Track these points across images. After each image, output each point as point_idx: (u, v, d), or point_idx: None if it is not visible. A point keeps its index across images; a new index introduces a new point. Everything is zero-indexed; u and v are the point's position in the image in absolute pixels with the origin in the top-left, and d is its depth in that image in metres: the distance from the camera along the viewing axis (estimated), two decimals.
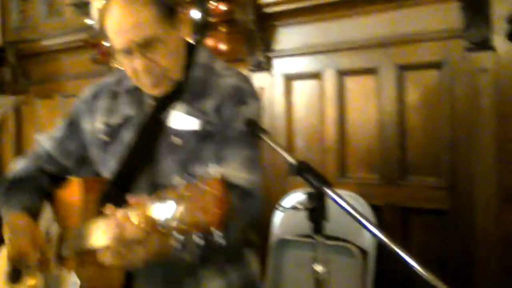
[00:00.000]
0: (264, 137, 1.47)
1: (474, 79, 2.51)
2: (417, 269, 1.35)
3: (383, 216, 2.79)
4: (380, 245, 2.71)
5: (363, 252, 2.70)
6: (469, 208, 2.52)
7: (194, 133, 1.51)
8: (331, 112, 3.03)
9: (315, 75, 3.09)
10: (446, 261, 2.59)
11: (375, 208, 2.78)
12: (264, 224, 3.02)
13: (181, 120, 1.53)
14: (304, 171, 1.36)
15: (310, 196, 1.32)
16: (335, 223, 2.44)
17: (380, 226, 2.71)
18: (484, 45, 2.48)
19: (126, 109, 1.62)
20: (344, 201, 1.39)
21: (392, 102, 2.80)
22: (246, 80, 1.62)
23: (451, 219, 2.60)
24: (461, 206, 2.56)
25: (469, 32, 2.50)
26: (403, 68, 2.77)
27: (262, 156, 1.58)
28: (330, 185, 1.34)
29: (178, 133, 1.51)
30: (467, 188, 2.53)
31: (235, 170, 1.45)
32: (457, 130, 2.59)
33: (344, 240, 2.70)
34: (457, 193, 2.58)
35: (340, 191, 2.78)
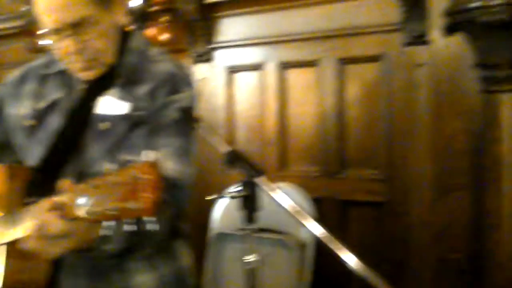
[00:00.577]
0: (197, 126, 1.44)
1: (411, 73, 2.56)
2: (349, 263, 1.35)
3: (323, 209, 2.80)
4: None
5: (302, 244, 2.70)
6: (405, 199, 2.57)
7: (124, 118, 1.45)
8: (272, 104, 3.03)
9: (257, 67, 3.08)
10: (383, 251, 2.63)
11: (315, 201, 2.80)
12: (203, 218, 2.99)
13: (111, 105, 1.47)
14: (236, 159, 1.33)
15: (242, 185, 1.29)
16: (274, 215, 2.44)
17: (320, 218, 2.75)
18: (421, 39, 2.52)
19: (55, 92, 1.54)
20: (279, 192, 1.37)
21: (332, 95, 2.82)
22: (182, 67, 1.58)
23: (388, 211, 2.64)
24: (397, 197, 2.60)
25: (407, 26, 2.54)
26: (343, 61, 2.79)
27: (196, 146, 1.54)
28: (261, 174, 1.31)
29: (106, 119, 1.45)
30: (403, 180, 2.58)
31: (165, 160, 1.40)
32: (394, 123, 2.62)
33: (283, 233, 2.69)
34: (393, 185, 2.62)
35: (280, 184, 2.83)
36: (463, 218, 2.40)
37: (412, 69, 2.55)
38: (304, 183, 2.85)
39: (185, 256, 1.63)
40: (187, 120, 1.46)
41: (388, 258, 2.62)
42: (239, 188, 1.29)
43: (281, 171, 2.98)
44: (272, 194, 1.33)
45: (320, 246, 2.73)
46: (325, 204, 2.82)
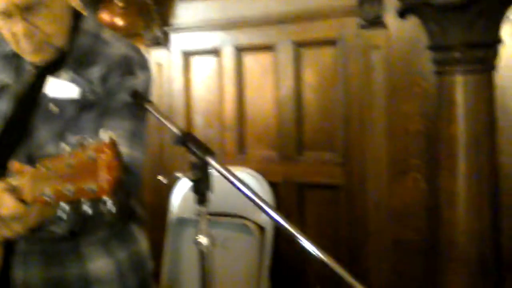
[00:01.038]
0: (149, 108, 1.41)
1: (367, 56, 2.57)
2: (306, 246, 1.35)
3: (281, 192, 2.81)
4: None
5: (261, 228, 2.71)
6: (361, 181, 2.59)
7: (73, 101, 1.41)
8: (229, 89, 3.01)
9: (214, 52, 3.05)
10: (341, 233, 2.66)
11: (273, 185, 2.80)
12: (163, 203, 2.96)
13: (60, 88, 1.43)
14: (188, 141, 1.31)
15: (194, 166, 1.27)
16: (233, 200, 2.43)
17: (278, 202, 2.76)
18: (377, 22, 2.54)
19: (2, 76, 1.49)
20: (231, 174, 1.35)
21: (289, 79, 2.82)
22: (136, 49, 1.54)
23: (345, 193, 2.66)
24: (354, 180, 2.63)
25: (363, 9, 2.55)
26: (300, 45, 2.79)
27: (148, 131, 1.51)
28: (213, 155, 1.29)
29: (55, 102, 1.41)
30: (360, 162, 2.60)
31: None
32: (351, 106, 2.64)
33: (242, 217, 2.69)
34: (350, 168, 2.65)
35: (238, 168, 2.82)
36: (418, 199, 2.43)
37: (368, 52, 2.57)
38: (262, 168, 2.84)
39: (142, 241, 1.60)
40: (138, 103, 1.43)
41: (346, 239, 2.65)
42: (192, 170, 1.27)
43: (239, 156, 2.97)
44: (228, 177, 1.31)
45: (279, 230, 2.75)
46: (283, 188, 2.82)
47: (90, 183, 0.97)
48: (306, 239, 1.40)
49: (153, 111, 1.42)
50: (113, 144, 0.99)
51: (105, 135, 1.01)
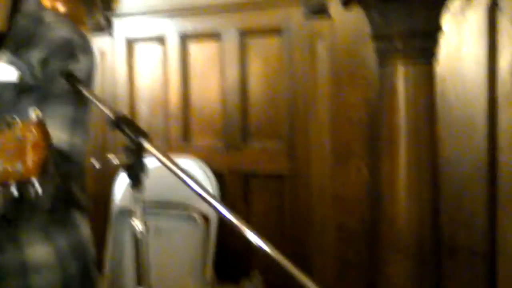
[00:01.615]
0: (82, 90, 1.36)
1: (312, 45, 2.58)
2: (248, 235, 1.34)
3: (226, 182, 2.80)
4: None
5: (205, 218, 2.68)
6: (306, 169, 2.61)
7: (12, 85, 1.36)
8: (174, 77, 2.97)
9: (158, 39, 3.00)
10: (287, 221, 2.67)
11: (219, 174, 2.78)
12: (106, 192, 2.90)
13: None
14: (122, 124, 1.27)
15: (128, 150, 1.23)
16: (178, 190, 2.40)
17: (223, 191, 2.74)
18: (321, 12, 2.54)
19: None
20: (170, 161, 1.32)
21: (234, 68, 2.80)
22: (79, 33, 1.49)
23: (290, 182, 2.67)
24: (298, 168, 2.64)
25: None
26: (245, 34, 2.77)
27: (90, 118, 1.46)
28: (148, 138, 1.25)
29: None
30: (305, 151, 2.61)
31: (53, 130, 1.32)
32: (296, 95, 2.65)
33: (187, 207, 2.65)
34: (295, 156, 2.65)
35: (183, 158, 2.78)
36: (361, 186, 2.46)
37: (313, 41, 2.58)
38: (207, 157, 2.82)
39: (83, 228, 1.55)
40: (73, 85, 1.38)
41: (290, 227, 2.66)
42: (126, 154, 1.23)
43: (184, 145, 2.94)
44: (165, 162, 1.28)
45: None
46: (228, 177, 2.81)
47: (17, 163, 0.94)
48: (247, 228, 1.40)
49: (86, 93, 1.37)
50: (40, 124, 0.96)
51: (32, 116, 0.97)
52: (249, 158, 2.79)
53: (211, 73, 2.89)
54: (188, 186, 1.38)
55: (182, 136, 2.95)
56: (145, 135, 1.30)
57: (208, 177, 2.76)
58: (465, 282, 2.26)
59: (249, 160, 2.79)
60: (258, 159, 2.76)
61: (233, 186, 2.80)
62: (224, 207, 1.47)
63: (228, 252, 2.69)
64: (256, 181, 2.77)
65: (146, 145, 1.25)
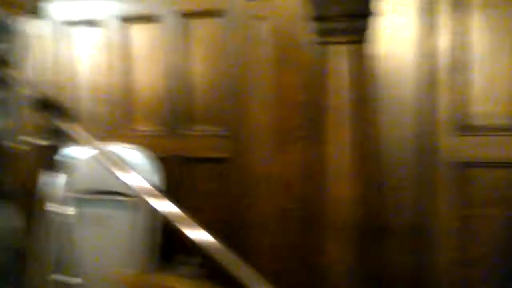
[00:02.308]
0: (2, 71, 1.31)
1: (253, 27, 2.56)
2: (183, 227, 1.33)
3: (169, 167, 2.76)
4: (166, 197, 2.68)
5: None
6: (248, 153, 2.59)
7: None
8: (116, 62, 2.90)
9: (99, 23, 2.92)
10: (229, 205, 2.66)
11: (163, 160, 2.74)
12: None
13: None
14: (46, 106, 1.23)
15: (47, 131, 1.19)
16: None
17: (167, 177, 2.70)
18: None
19: None
20: (98, 147, 1.29)
21: (176, 51, 2.76)
22: (2, 15, 1.43)
23: (233, 166, 2.65)
24: (241, 152, 2.62)
25: None
26: (186, 16, 2.73)
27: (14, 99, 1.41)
28: (72, 121, 1.22)
29: None
30: (246, 134, 2.60)
31: None
32: (237, 78, 2.62)
33: (125, 195, 2.60)
34: (237, 140, 2.64)
35: (127, 144, 2.73)
36: (303, 168, 2.46)
37: (254, 23, 2.55)
38: (151, 142, 2.78)
39: (9, 216, 1.51)
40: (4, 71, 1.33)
41: (233, 211, 2.65)
42: (45, 135, 1.19)
43: (127, 131, 2.88)
44: (95, 151, 1.25)
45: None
46: (171, 162, 2.77)
47: None
48: (182, 218, 1.38)
49: (6, 75, 1.32)
50: None
51: None
52: (192, 142, 2.76)
53: (153, 57, 2.84)
54: (111, 172, 1.35)
55: (125, 122, 2.90)
56: (69, 117, 1.27)
57: (152, 163, 2.71)
58: (401, 260, 2.29)
59: (193, 145, 2.76)
60: (201, 143, 2.74)
61: (176, 171, 2.76)
62: (160, 198, 1.46)
63: (170, 237, 2.66)
64: (200, 166, 2.75)
65: (65, 126, 1.22)
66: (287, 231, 2.51)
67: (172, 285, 1.17)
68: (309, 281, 2.44)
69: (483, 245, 2.21)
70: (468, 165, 2.22)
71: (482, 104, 2.21)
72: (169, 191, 2.71)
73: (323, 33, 2.26)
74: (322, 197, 2.28)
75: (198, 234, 1.25)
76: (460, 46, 2.21)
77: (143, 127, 2.88)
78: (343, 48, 2.22)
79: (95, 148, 1.35)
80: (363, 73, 2.24)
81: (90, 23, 2.94)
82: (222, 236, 2.66)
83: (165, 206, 1.43)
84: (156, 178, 2.68)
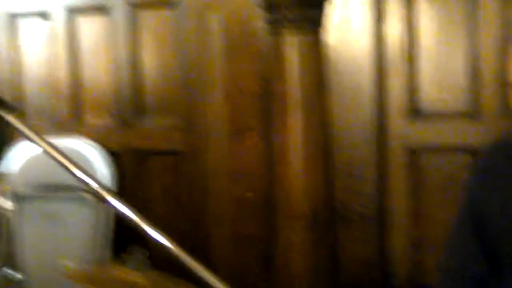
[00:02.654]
0: None
1: (204, 17, 2.52)
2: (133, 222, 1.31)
3: (121, 161, 2.71)
4: (118, 191, 2.64)
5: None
6: (202, 145, 2.57)
7: None
8: (63, 54, 2.82)
9: (44, 14, 2.83)
10: (184, 198, 2.63)
11: (113, 154, 2.68)
12: None
13: None
14: None
15: None
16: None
17: (118, 171, 2.65)
18: None
19: None
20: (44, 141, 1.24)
21: (126, 42, 2.70)
22: None
23: (187, 158, 2.62)
24: (195, 144, 2.59)
25: None
26: (135, 6, 2.67)
27: None
28: (12, 111, 1.16)
29: None
30: (200, 126, 2.57)
31: None
32: (190, 70, 2.59)
33: (71, 189, 2.54)
34: (191, 132, 2.60)
35: (74, 138, 2.66)
36: (257, 158, 2.45)
37: (205, 13, 2.52)
38: (100, 136, 2.71)
39: None
40: None
41: (188, 204, 2.62)
42: None
43: (75, 125, 2.81)
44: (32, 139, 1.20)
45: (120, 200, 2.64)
46: (123, 156, 2.72)
47: None
48: (134, 213, 1.36)
49: None
50: None
51: None
52: (143, 135, 2.71)
53: (102, 48, 2.77)
54: (61, 164, 1.31)
55: (73, 115, 2.82)
56: (15, 111, 1.21)
57: (102, 157, 2.65)
58: (358, 246, 2.31)
59: (144, 137, 2.71)
60: (153, 136, 2.69)
61: (129, 165, 2.71)
62: (110, 191, 1.43)
63: (126, 234, 2.61)
64: (152, 159, 2.70)
65: (8, 117, 1.17)
66: (244, 222, 2.50)
67: (121, 277, 1.14)
68: (265, 270, 2.43)
69: (435, 230, 2.25)
70: (419, 150, 2.25)
71: (432, 91, 2.24)
72: (122, 185, 2.66)
73: (274, 22, 2.24)
74: (277, 186, 2.27)
75: (146, 227, 1.23)
76: (410, 33, 2.24)
77: (93, 121, 2.81)
78: (295, 37, 2.21)
79: (43, 142, 1.31)
80: (315, 61, 2.24)
81: (36, 14, 2.85)
82: (178, 228, 2.65)
83: (115, 200, 1.41)
84: (108, 172, 2.62)
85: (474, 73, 2.17)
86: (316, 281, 2.20)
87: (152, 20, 2.67)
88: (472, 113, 2.18)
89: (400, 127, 2.27)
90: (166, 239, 1.22)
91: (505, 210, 1.40)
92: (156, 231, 1.28)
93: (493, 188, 1.44)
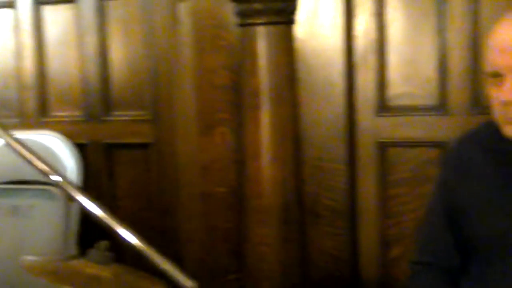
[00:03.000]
0: None
1: (173, 9, 2.48)
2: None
3: (89, 154, 2.66)
4: (86, 185, 2.60)
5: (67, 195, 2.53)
6: (171, 138, 2.53)
7: None
8: (28, 45, 2.75)
9: (8, 4, 2.76)
10: (152, 193, 2.60)
11: (80, 147, 2.64)
12: None
13: None
14: None
15: None
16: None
17: (86, 165, 2.60)
18: None
19: None
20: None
21: (93, 33, 2.64)
22: None
23: (156, 151, 2.59)
24: (164, 137, 2.56)
25: None
26: None
27: None
28: None
29: None
30: (169, 119, 2.53)
31: None
32: (158, 61, 2.55)
33: (36, 182, 2.49)
34: (160, 125, 2.57)
35: (41, 132, 2.61)
36: (227, 152, 2.43)
37: (174, 4, 2.48)
38: (67, 129, 2.67)
39: None
40: None
41: (157, 198, 2.59)
42: None
43: (41, 118, 2.75)
44: None
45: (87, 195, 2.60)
46: (91, 149, 2.67)
47: None
48: (94, 203, 1.34)
49: None
50: None
51: None
52: (112, 128, 2.66)
53: (68, 39, 2.71)
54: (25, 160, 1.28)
55: (39, 108, 2.76)
56: None
57: (69, 150, 2.60)
58: (328, 240, 2.31)
59: (112, 131, 2.66)
60: (121, 129, 2.65)
61: (96, 159, 2.67)
62: (74, 186, 1.41)
63: (92, 228, 2.57)
64: (120, 152, 2.66)
65: None
66: (214, 215, 2.47)
67: (84, 270, 1.11)
68: (236, 264, 2.42)
69: (402, 224, 2.26)
70: (389, 144, 2.26)
71: (400, 85, 2.25)
72: (89, 179, 2.62)
73: (243, 14, 2.22)
74: (247, 180, 2.26)
75: (108, 220, 1.22)
76: (379, 28, 2.24)
77: (59, 113, 2.76)
78: (263, 30, 2.19)
79: (6, 135, 1.29)
80: (286, 54, 2.23)
81: (1, 4, 2.78)
82: (147, 222, 2.62)
83: (79, 194, 1.39)
84: (75, 166, 2.58)
85: (443, 68, 2.17)
86: (286, 275, 2.20)
87: (120, 11, 2.63)
88: (441, 107, 2.19)
89: (369, 121, 2.27)
90: (131, 233, 1.20)
91: (475, 201, 1.41)
92: (120, 224, 1.27)
93: (463, 179, 1.45)
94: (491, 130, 1.36)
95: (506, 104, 1.27)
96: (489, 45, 1.33)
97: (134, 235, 1.16)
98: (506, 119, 1.30)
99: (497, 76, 1.28)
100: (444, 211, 1.49)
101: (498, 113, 1.32)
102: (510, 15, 1.33)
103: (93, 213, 1.32)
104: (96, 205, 1.32)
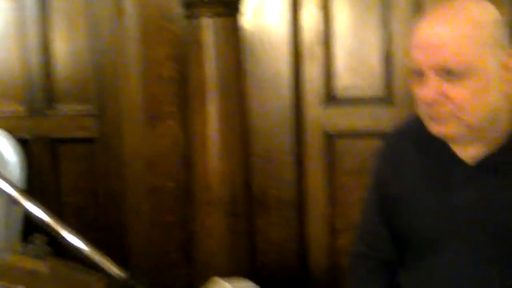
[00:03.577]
0: None
1: (119, 0, 2.43)
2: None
3: (32, 150, 2.59)
4: (30, 181, 2.53)
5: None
6: (117, 132, 2.48)
7: None
8: None
9: None
10: (98, 187, 2.55)
11: (23, 142, 2.57)
12: None
13: None
14: None
15: None
16: None
17: (29, 160, 2.53)
18: None
19: None
20: None
21: (35, 25, 2.57)
22: None
23: (101, 145, 2.54)
24: (110, 130, 2.51)
25: None
26: None
27: None
28: None
29: None
30: (115, 112, 2.49)
31: None
32: (103, 54, 2.50)
33: None
34: (105, 118, 2.52)
35: None
36: (174, 145, 2.40)
37: None
38: (8, 124, 2.59)
39: None
40: None
41: (103, 193, 2.54)
42: None
43: None
44: None
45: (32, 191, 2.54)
46: (34, 145, 2.60)
47: None
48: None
49: None
50: None
51: None
52: (55, 122, 2.60)
53: (10, 32, 2.63)
54: None
55: None
56: None
57: (10, 146, 2.53)
58: (276, 231, 2.32)
59: (56, 125, 2.60)
60: (65, 123, 2.59)
61: (39, 154, 2.60)
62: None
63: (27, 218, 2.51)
64: (64, 147, 2.60)
65: None
66: (162, 209, 2.44)
67: (20, 265, 1.08)
68: (184, 257, 2.40)
69: (351, 214, 2.28)
70: (335, 136, 2.27)
71: (347, 77, 2.27)
72: (33, 175, 2.56)
73: (191, 5, 2.21)
74: (195, 173, 2.24)
75: (43, 214, 1.19)
76: (325, 20, 2.25)
77: (1, 107, 2.67)
78: (210, 21, 2.18)
79: None
80: (232, 46, 2.22)
81: None
82: (93, 217, 2.57)
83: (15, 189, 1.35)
84: (17, 161, 2.51)
85: (387, 60, 2.21)
86: (234, 267, 2.20)
87: (63, 3, 2.56)
88: (385, 98, 2.22)
89: (316, 112, 2.28)
90: (67, 227, 1.17)
91: (406, 194, 1.42)
92: (58, 221, 1.24)
93: (396, 173, 1.46)
94: (421, 124, 1.35)
95: (428, 103, 1.26)
96: (411, 43, 1.30)
97: (69, 229, 1.13)
98: (429, 117, 1.29)
99: (420, 75, 1.26)
100: (379, 204, 1.49)
101: (422, 111, 1.31)
102: (431, 11, 1.32)
103: (34, 215, 1.28)
104: (36, 205, 1.28)
